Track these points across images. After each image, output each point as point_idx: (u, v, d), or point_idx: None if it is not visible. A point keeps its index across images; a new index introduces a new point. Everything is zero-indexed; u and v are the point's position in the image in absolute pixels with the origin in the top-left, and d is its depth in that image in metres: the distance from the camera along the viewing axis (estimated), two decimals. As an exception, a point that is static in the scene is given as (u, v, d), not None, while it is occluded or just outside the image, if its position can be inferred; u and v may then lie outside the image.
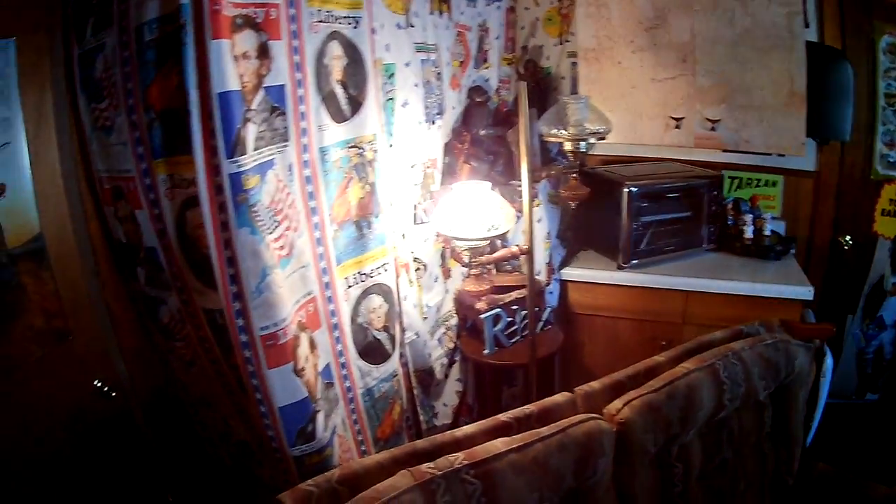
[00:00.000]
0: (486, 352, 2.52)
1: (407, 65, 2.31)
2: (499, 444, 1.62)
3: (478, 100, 2.69)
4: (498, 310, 2.50)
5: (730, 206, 3.08)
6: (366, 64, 2.07)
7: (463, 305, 2.59)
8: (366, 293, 2.14)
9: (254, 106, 1.71)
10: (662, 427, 1.81)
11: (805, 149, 2.81)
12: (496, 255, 2.34)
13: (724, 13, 2.76)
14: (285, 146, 1.84)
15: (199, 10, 1.58)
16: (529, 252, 2.26)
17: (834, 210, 3.16)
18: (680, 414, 1.83)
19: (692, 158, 3.13)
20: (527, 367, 2.44)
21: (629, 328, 2.90)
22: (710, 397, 1.89)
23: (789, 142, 2.80)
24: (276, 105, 1.79)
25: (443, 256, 2.56)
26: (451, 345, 2.62)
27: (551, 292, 2.83)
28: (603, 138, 2.38)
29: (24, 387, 2.00)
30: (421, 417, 2.49)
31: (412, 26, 2.34)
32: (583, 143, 2.32)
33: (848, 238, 3.15)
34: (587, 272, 2.91)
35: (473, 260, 2.22)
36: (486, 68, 2.92)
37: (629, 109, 3.04)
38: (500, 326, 2.52)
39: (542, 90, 3.11)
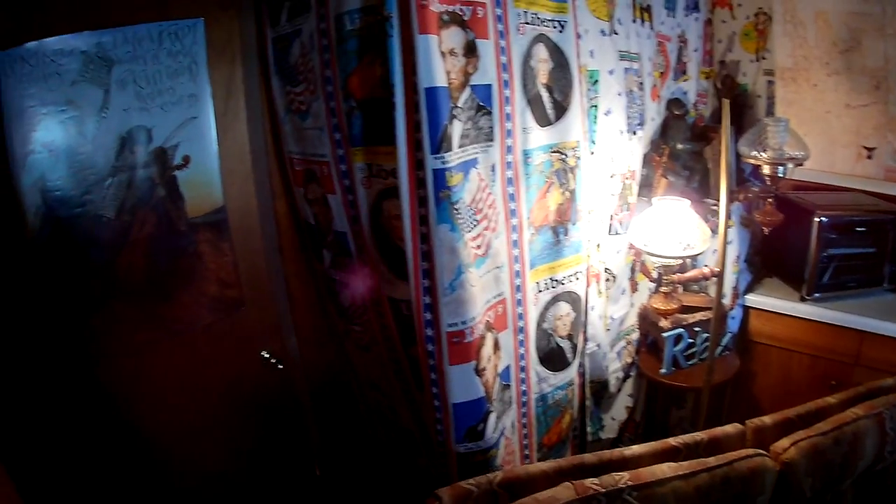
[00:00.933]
0: (662, 371, 2.45)
1: (611, 72, 2.27)
2: (665, 469, 1.60)
3: (676, 113, 2.61)
4: (681, 330, 2.42)
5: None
6: (571, 69, 2.05)
7: (646, 321, 2.53)
8: (555, 299, 2.12)
9: (460, 103, 1.73)
10: (824, 472, 1.74)
11: None
12: (688, 274, 2.28)
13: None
14: (489, 146, 1.85)
15: (404, 3, 1.60)
16: (720, 275, 2.18)
17: None
18: (842, 461, 1.76)
19: (880, 191, 2.89)
20: (700, 391, 2.36)
21: (802, 363, 2.74)
22: (873, 447, 1.80)
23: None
24: (482, 104, 1.80)
25: (632, 269, 2.51)
26: (629, 359, 2.56)
27: (733, 317, 2.71)
28: (801, 164, 2.25)
29: (190, 349, 2.13)
30: (588, 429, 2.45)
31: (616, 33, 2.30)
32: (780, 168, 2.21)
33: None
34: (770, 300, 2.77)
35: (664, 277, 2.16)
36: (685, 80, 2.83)
37: (823, 135, 2.89)
38: (680, 347, 2.44)
39: (738, 107, 2.98)
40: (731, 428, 1.84)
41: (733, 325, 2.74)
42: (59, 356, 1.94)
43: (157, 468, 2.15)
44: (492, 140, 1.85)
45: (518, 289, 2.00)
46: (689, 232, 2.20)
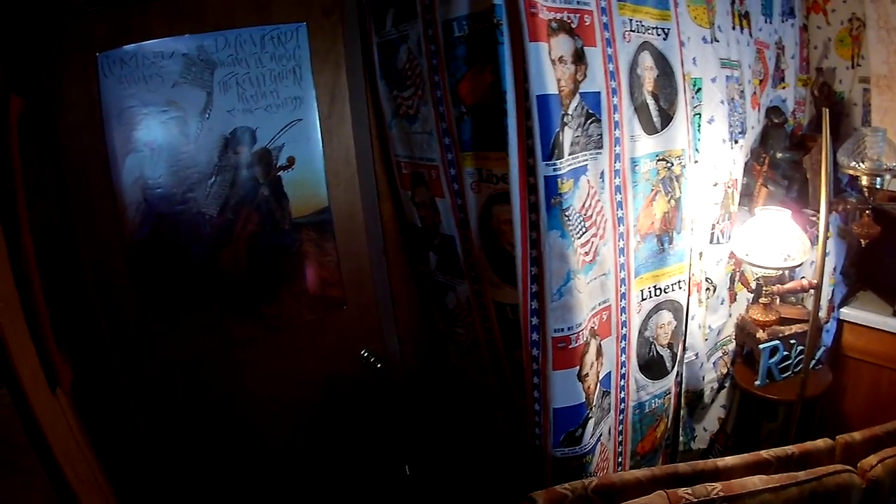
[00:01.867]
0: (756, 383, 2.41)
1: (713, 80, 2.25)
2: (756, 481, 1.61)
3: (775, 121, 2.58)
4: (777, 342, 2.39)
5: None
6: (676, 77, 2.05)
7: (743, 332, 2.50)
8: (657, 308, 2.12)
9: (570, 111, 1.74)
10: (908, 491, 1.72)
11: None
12: (787, 286, 2.26)
13: None
14: (598, 153, 1.85)
15: (514, 11, 1.61)
16: (818, 287, 2.15)
17: None
18: (926, 480, 1.73)
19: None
20: (792, 404, 2.32)
21: (893, 379, 2.66)
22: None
23: None
24: (591, 111, 1.81)
25: (732, 279, 2.48)
26: (725, 370, 2.54)
27: (828, 331, 2.66)
28: (900, 176, 2.21)
29: (289, 346, 2.18)
30: (680, 438, 2.44)
31: (717, 41, 2.28)
32: (878, 179, 2.17)
33: None
34: (863, 314, 2.70)
35: (764, 288, 2.14)
36: (783, 88, 2.79)
37: (918, 145, 2.80)
38: (775, 359, 2.40)
39: (835, 116, 2.92)
40: (821, 443, 1.84)
41: (827, 338, 2.68)
42: (160, 352, 2.01)
43: (252, 461, 2.22)
44: (601, 147, 1.86)
45: (623, 296, 2.01)
46: (790, 243, 2.18)
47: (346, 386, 2.30)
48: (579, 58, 1.76)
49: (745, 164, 2.46)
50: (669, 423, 2.36)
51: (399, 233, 2.32)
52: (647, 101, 1.98)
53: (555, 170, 1.70)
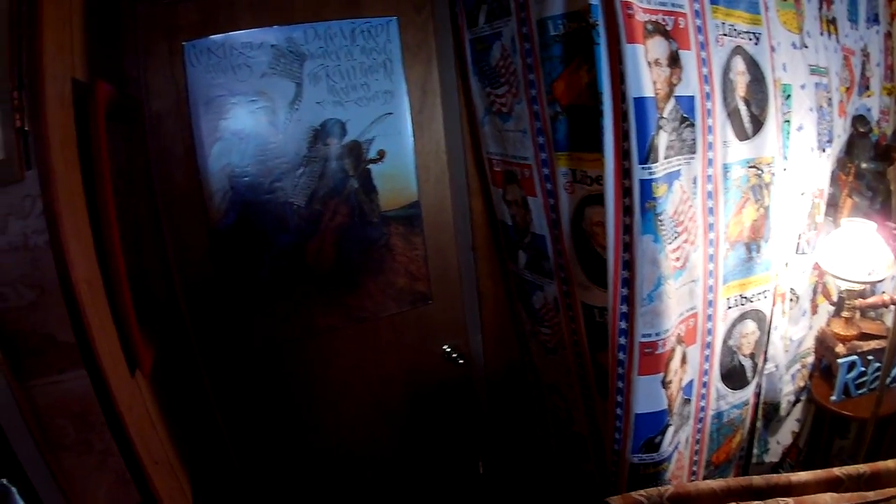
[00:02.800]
0: (832, 398, 2.36)
1: (802, 87, 2.20)
2: (827, 499, 1.61)
3: (861, 130, 2.51)
4: (855, 357, 2.33)
5: None
6: (767, 82, 2.01)
7: (823, 345, 2.45)
8: (742, 317, 2.08)
9: (665, 114, 1.71)
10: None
11: None
12: (869, 300, 2.21)
13: None
14: (692, 158, 1.82)
15: (610, 11, 1.59)
16: (900, 303, 2.10)
17: None
18: None
19: None
20: (866, 421, 2.27)
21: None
22: None
23: None
24: (685, 115, 1.78)
25: (814, 291, 2.44)
26: (802, 383, 2.49)
27: (905, 347, 2.60)
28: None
29: (372, 338, 2.22)
30: (754, 450, 2.40)
31: (805, 47, 2.23)
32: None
33: None
34: (939, 330, 2.64)
35: (846, 301, 2.09)
36: (868, 97, 2.72)
37: None
38: (852, 374, 2.35)
39: (917, 126, 2.86)
40: (892, 463, 1.78)
41: (905, 354, 2.63)
42: (241, 339, 2.05)
43: (328, 450, 2.25)
44: (694, 152, 1.83)
45: (710, 304, 1.98)
46: (875, 256, 2.13)
47: (426, 380, 2.33)
48: (674, 61, 1.73)
49: (832, 173, 2.41)
50: (745, 435, 2.32)
51: (488, 230, 2.32)
52: (740, 107, 1.94)
53: (650, 173, 1.67)
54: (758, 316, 2.12)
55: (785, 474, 1.74)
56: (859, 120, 2.55)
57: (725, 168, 1.93)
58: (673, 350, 1.87)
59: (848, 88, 2.56)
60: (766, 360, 2.23)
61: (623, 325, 1.81)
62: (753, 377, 2.20)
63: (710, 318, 1.99)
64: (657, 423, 1.91)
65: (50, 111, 1.05)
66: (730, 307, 2.05)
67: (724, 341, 2.07)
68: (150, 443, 1.34)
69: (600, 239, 1.82)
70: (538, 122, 1.95)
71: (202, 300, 1.99)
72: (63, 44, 1.22)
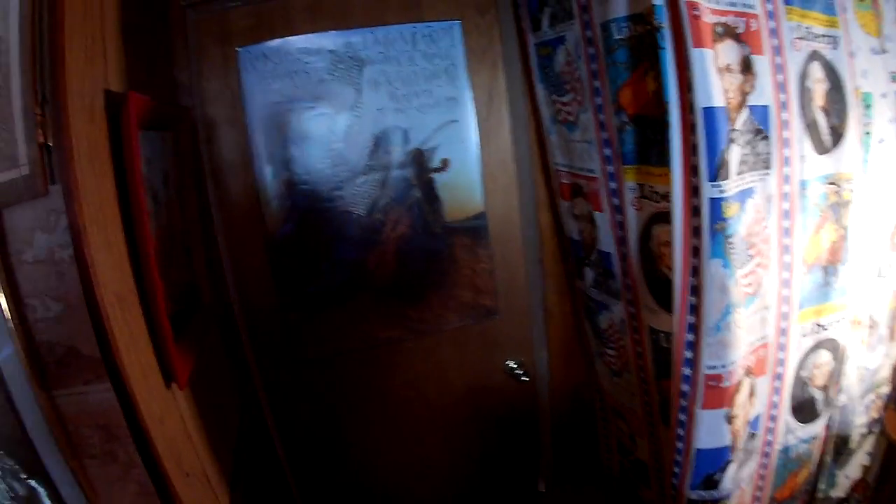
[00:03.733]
0: (907, 432, 2.21)
1: (883, 96, 2.04)
2: None
3: (942, 144, 2.35)
4: (932, 388, 2.18)
5: None
6: (846, 91, 1.85)
7: (900, 375, 2.30)
8: (817, 346, 1.93)
9: (738, 126, 1.57)
10: None
11: None
12: (949, 327, 2.04)
13: None
14: (766, 174, 1.68)
15: (675, 13, 1.46)
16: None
17: None
18: None
19: None
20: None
21: None
22: None
23: None
24: (759, 127, 1.64)
25: (893, 317, 2.28)
26: (876, 415, 2.33)
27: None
28: None
29: (433, 351, 2.15)
30: (821, 486, 2.25)
31: (885, 52, 2.06)
32: None
33: None
34: None
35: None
36: (949, 108, 2.55)
37: None
38: (929, 407, 2.20)
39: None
40: None
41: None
42: (298, 350, 2.02)
43: (386, 464, 2.22)
44: (769, 168, 1.68)
45: (783, 332, 1.83)
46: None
47: (488, 396, 2.26)
48: (747, 67, 1.59)
49: (911, 190, 2.25)
50: (813, 469, 2.17)
51: (556, 244, 2.24)
52: (817, 118, 1.80)
53: (721, 192, 1.53)
54: (832, 345, 1.96)
55: (854, 514, 1.62)
56: (940, 133, 2.38)
57: (803, 185, 1.78)
58: (740, 383, 1.73)
59: (928, 98, 2.39)
60: (839, 391, 2.08)
61: (688, 354, 1.68)
62: (825, 410, 2.05)
63: (782, 347, 1.84)
64: (718, 459, 1.78)
65: (74, 125, 1.02)
66: (804, 335, 1.89)
67: (796, 372, 1.92)
68: (182, 455, 1.33)
69: (667, 261, 1.70)
70: (604, 133, 1.83)
71: (258, 309, 1.96)
72: (93, 56, 1.19)
